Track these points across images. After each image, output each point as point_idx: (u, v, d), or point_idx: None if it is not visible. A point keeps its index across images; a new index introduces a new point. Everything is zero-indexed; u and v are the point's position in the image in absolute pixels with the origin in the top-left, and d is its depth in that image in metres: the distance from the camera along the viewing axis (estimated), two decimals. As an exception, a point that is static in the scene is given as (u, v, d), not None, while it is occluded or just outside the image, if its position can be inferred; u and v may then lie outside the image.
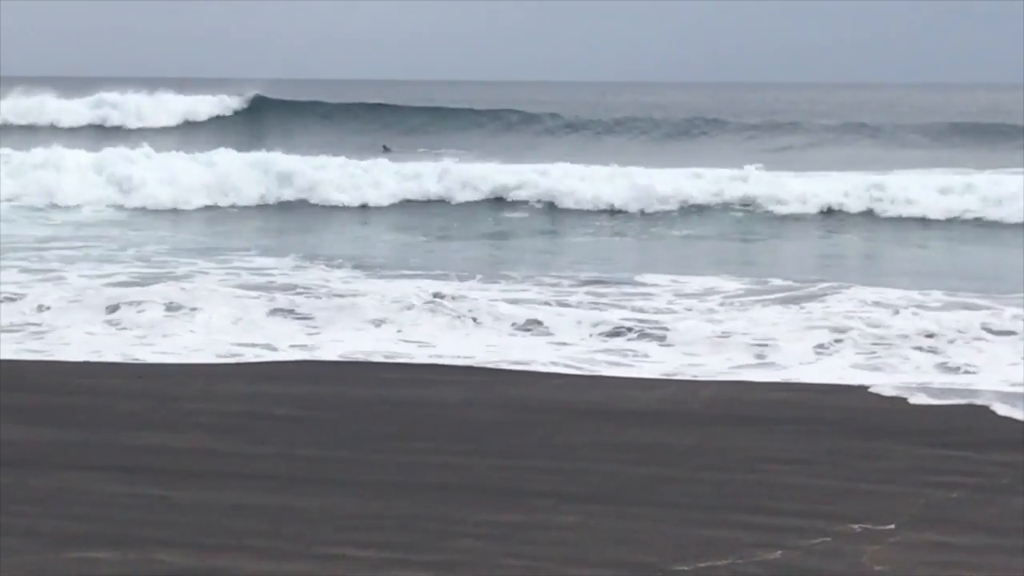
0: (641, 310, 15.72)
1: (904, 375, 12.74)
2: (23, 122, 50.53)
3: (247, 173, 31.59)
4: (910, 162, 35.89)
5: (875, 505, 8.24)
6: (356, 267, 19.60)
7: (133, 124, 51.38)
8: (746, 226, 27.32)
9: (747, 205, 29.35)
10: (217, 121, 52.71)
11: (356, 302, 15.71)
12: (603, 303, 16.21)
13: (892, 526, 7.83)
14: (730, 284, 17.81)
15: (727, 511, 8.13)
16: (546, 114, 53.40)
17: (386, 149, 50.56)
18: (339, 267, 19.55)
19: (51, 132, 46.58)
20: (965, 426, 10.56)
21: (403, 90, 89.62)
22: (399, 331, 14.72)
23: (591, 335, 14.49)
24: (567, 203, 29.72)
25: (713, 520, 7.93)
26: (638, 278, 18.29)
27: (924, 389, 11.93)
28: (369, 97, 61.30)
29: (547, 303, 16.13)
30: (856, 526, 7.82)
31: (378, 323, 15.03)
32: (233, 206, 30.26)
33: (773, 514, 8.07)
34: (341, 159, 33.19)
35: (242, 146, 36.14)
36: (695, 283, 17.92)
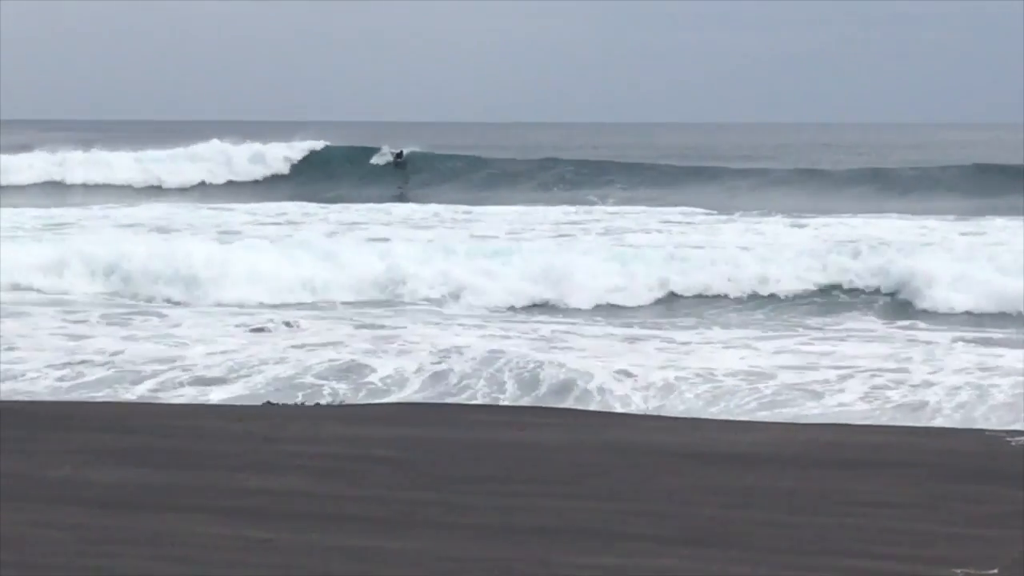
0: None
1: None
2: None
3: None
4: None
5: (977, 549, 8.13)
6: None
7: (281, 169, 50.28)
8: None
9: None
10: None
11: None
12: None
13: (995, 571, 7.73)
14: None
15: (827, 555, 8.06)
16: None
17: (398, 158, 48.37)
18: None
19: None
20: (1069, 469, 10.42)
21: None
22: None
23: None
24: None
25: (813, 565, 7.86)
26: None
27: (1027, 431, 11.80)
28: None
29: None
30: (958, 571, 7.73)
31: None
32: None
33: (873, 559, 7.99)
34: None
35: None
36: None
